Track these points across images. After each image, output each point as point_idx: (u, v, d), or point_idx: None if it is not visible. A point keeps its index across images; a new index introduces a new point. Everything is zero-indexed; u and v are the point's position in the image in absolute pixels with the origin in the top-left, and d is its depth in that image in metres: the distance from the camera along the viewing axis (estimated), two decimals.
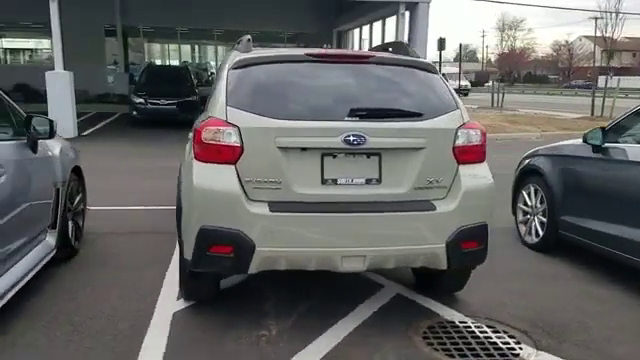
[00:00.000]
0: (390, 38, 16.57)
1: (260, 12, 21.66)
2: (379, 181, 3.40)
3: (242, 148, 3.24)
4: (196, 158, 3.33)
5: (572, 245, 5.03)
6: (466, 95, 40.31)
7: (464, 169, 3.52)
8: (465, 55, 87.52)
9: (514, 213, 5.85)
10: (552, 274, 4.79)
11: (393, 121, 3.44)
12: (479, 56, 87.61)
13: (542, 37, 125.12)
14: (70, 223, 4.70)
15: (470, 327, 3.71)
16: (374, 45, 20.22)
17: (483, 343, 3.50)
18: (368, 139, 3.30)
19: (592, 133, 4.77)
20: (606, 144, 4.68)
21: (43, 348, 3.25)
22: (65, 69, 13.42)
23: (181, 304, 3.89)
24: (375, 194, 3.38)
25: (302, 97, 3.49)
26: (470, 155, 3.56)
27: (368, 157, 3.38)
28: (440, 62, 17.75)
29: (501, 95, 27.11)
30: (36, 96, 13.93)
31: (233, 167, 3.24)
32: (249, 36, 3.87)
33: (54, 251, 4.29)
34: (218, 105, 3.38)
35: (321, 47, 21.77)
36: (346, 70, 3.67)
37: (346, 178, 3.36)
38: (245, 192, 3.25)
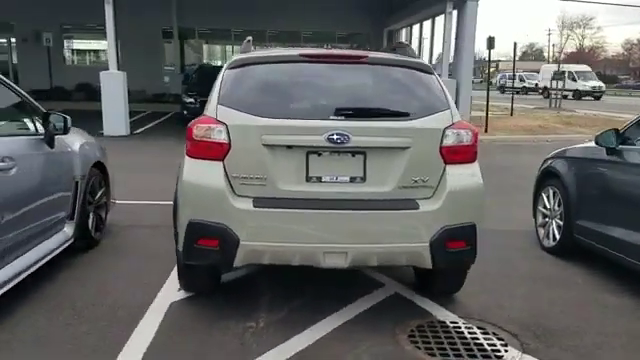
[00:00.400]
0: (439, 37, 16.38)
1: (312, 13, 21.87)
2: (363, 179, 3.44)
3: (229, 145, 3.37)
4: (187, 154, 3.48)
5: (589, 250, 4.89)
6: (599, 99, 35.85)
7: (451, 169, 3.51)
8: (531, 54, 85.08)
9: (534, 216, 5.72)
10: (563, 279, 4.67)
11: (378, 120, 3.48)
12: (545, 55, 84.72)
13: (613, 36, 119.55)
14: (91, 215, 4.98)
15: (460, 328, 3.70)
16: (427, 43, 20.02)
17: (469, 344, 3.49)
18: (352, 138, 3.35)
19: (605, 135, 4.61)
20: (620, 146, 4.52)
21: (42, 330, 3.49)
22: (121, 69, 14.00)
23: (180, 295, 4.05)
24: (359, 192, 3.43)
25: (290, 96, 3.58)
26: (459, 155, 3.54)
27: (353, 156, 3.43)
28: (489, 61, 17.31)
29: (560, 95, 26.21)
30: (96, 95, 14.66)
31: (221, 163, 3.37)
32: (250, 37, 4.01)
33: (71, 241, 4.55)
34: (211, 104, 3.52)
35: (356, 47, 21.83)
36: (338, 70, 3.73)
37: (330, 176, 3.42)
38: (232, 188, 3.37)
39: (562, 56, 69.31)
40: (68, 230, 4.57)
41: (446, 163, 3.50)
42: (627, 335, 3.68)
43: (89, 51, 28.17)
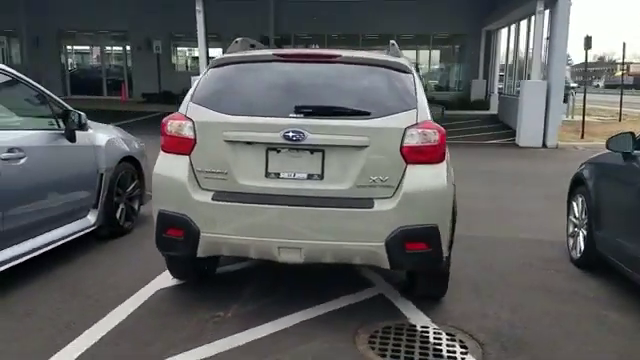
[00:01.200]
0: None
1: (406, 15, 21.68)
2: (321, 177, 3.47)
3: (195, 140, 3.55)
4: (161, 148, 3.71)
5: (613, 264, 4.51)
6: None
7: (412, 169, 3.44)
8: None
9: (567, 226, 5.37)
10: (571, 292, 4.36)
11: (337, 119, 3.49)
12: None
13: None
14: (121, 206, 5.41)
15: (428, 333, 3.61)
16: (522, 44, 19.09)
17: (427, 349, 3.40)
18: (308, 135, 3.40)
19: (619, 139, 4.24)
20: (636, 152, 4.14)
21: (34, 304, 3.87)
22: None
23: (172, 282, 4.30)
24: (316, 189, 3.46)
25: (255, 94, 3.69)
26: (422, 155, 3.46)
27: (311, 153, 3.47)
28: (586, 61, 16.17)
29: None
30: None
31: (187, 158, 3.56)
32: (239, 38, 4.16)
33: (93, 227, 4.99)
34: (185, 101, 3.72)
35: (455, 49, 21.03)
36: (309, 69, 3.79)
37: (288, 172, 3.49)
38: (197, 181, 3.55)
39: None
40: (91, 218, 5.00)
41: (408, 163, 3.44)
42: (612, 353, 3.40)
43: (194, 58, 29.75)
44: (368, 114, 3.50)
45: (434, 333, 3.61)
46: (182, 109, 3.67)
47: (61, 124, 4.68)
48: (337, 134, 3.44)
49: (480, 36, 23.03)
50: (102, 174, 5.09)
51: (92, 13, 22.79)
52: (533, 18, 15.19)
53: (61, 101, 4.78)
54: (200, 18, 14.66)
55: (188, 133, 3.57)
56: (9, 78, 4.31)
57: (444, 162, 3.56)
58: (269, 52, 3.87)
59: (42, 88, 4.61)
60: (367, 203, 3.41)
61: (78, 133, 4.80)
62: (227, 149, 3.51)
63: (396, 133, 3.44)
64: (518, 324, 3.75)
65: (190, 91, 3.77)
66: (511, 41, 20.18)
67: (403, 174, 3.43)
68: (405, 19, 21.99)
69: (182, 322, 3.65)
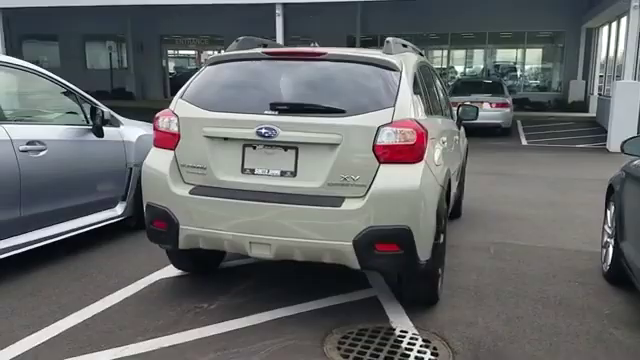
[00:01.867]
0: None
1: (498, 12, 20.87)
2: (294, 174, 3.47)
3: (179, 136, 3.68)
4: (153, 143, 3.87)
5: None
6: None
7: (385, 169, 3.35)
8: None
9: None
10: (586, 307, 4.02)
11: (310, 116, 3.46)
12: None
13: None
14: None
15: (403, 338, 3.49)
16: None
17: (394, 353, 3.30)
18: (280, 132, 3.41)
19: (634, 141, 3.85)
20: None
21: (40, 284, 4.19)
22: None
23: (174, 273, 4.46)
24: (288, 186, 3.46)
25: (237, 92, 3.76)
26: (395, 155, 3.36)
27: (285, 150, 3.48)
28: None
29: None
30: None
31: (172, 152, 3.70)
32: (241, 37, 4.24)
33: (119, 218, 5.30)
34: (175, 97, 3.86)
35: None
36: (294, 67, 3.80)
37: (263, 169, 3.52)
38: (181, 175, 3.68)
39: None
40: (119, 209, 5.32)
41: (380, 162, 3.35)
42: None
43: None
44: (343, 112, 3.44)
45: (410, 338, 3.49)
46: (172, 105, 3.82)
47: (90, 120, 5.01)
48: (309, 132, 3.42)
49: (579, 34, 21.67)
50: (131, 168, 5.38)
51: (191, 20, 24.03)
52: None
53: (91, 99, 5.12)
54: (279, 21, 15.02)
55: (173, 128, 3.70)
56: (36, 76, 4.68)
57: (422, 162, 3.42)
58: (259, 50, 3.92)
59: (71, 86, 4.96)
60: (336, 202, 3.36)
61: (108, 129, 5.11)
62: (206, 144, 3.60)
63: (369, 131, 3.36)
64: (505, 336, 3.53)
65: (182, 88, 3.90)
66: (611, 39, 18.79)
67: (375, 173, 3.35)
68: (498, 16, 21.18)
69: (164, 311, 3.79)
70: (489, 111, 15.46)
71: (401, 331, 3.58)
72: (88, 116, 5.00)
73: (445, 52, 24.93)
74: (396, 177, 3.34)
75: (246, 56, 3.96)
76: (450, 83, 18.44)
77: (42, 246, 4.51)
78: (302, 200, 3.41)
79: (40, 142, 4.39)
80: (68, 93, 4.96)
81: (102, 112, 4.92)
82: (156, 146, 3.83)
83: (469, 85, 17.34)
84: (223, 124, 3.56)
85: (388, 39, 3.98)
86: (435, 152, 3.73)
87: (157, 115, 3.86)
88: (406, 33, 24.52)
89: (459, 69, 26.32)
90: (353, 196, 3.37)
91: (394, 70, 3.66)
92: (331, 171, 3.38)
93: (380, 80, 3.61)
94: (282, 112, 3.48)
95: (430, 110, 4.31)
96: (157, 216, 3.71)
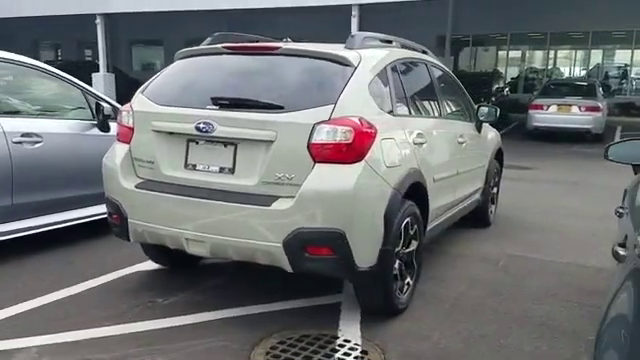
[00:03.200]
0: None
1: (600, 9, 19.34)
2: (232, 171, 3.37)
3: (133, 130, 3.71)
4: (116, 137, 3.94)
5: None
6: None
7: (319, 168, 3.16)
8: None
9: None
10: (568, 331, 3.57)
11: (247, 112, 3.34)
12: None
13: None
14: None
15: (341, 347, 3.28)
16: None
17: None
18: (217, 128, 3.33)
19: (624, 146, 3.34)
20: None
21: (29, 270, 4.40)
22: None
23: (152, 266, 4.50)
24: (226, 183, 3.38)
25: (188, 86, 3.72)
26: (332, 154, 3.16)
27: (225, 146, 3.39)
28: None
29: None
30: None
31: (127, 146, 3.74)
32: (217, 34, 4.19)
33: None
34: (137, 92, 3.90)
35: None
36: (248, 62, 3.70)
37: (203, 165, 3.46)
38: (134, 169, 3.71)
39: None
40: None
41: (315, 161, 3.17)
42: None
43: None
44: (281, 108, 3.30)
45: (349, 349, 3.27)
46: (133, 99, 3.86)
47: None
48: (246, 128, 3.31)
49: None
50: None
51: (283, 21, 24.49)
52: None
53: (98, 94, 5.32)
54: (355, 22, 14.90)
55: (129, 122, 3.74)
56: (36, 72, 4.95)
57: (361, 163, 3.19)
58: (219, 45, 3.86)
59: (77, 81, 5.18)
60: (268, 201, 3.22)
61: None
62: (155, 139, 3.60)
63: (304, 129, 3.19)
64: (452, 355, 3.22)
65: (146, 82, 3.93)
66: None
67: (309, 172, 3.17)
68: (598, 14, 19.61)
69: (117, 303, 3.83)
70: (578, 115, 14.36)
71: (344, 340, 3.38)
72: (94, 111, 5.20)
73: (548, 53, 23.54)
74: (329, 177, 3.15)
75: (207, 51, 3.92)
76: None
77: (39, 234, 4.75)
78: (236, 198, 3.30)
79: (36, 134, 4.62)
80: (73, 89, 5.19)
81: (104, 108, 5.09)
82: (117, 140, 3.89)
83: (559, 87, 16.21)
84: (168, 118, 3.54)
85: (353, 33, 3.77)
86: (391, 152, 3.46)
87: (120, 109, 3.92)
88: (499, 32, 23.56)
89: (563, 70, 24.82)
90: (287, 196, 3.21)
91: (347, 65, 3.46)
92: (266, 169, 3.25)
93: (328, 76, 3.43)
94: (223, 107, 3.40)
95: (412, 110, 4.04)
96: (112, 209, 3.77)
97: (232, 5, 18.31)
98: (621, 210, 2.92)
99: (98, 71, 19.70)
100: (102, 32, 19.12)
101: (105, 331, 3.42)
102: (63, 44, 32.09)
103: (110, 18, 19.63)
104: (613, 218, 3.19)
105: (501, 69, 24.58)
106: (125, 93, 3.94)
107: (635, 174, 3.36)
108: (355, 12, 14.95)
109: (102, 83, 18.62)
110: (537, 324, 3.66)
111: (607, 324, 1.67)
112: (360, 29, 15.02)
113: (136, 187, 3.61)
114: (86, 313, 3.66)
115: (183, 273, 4.41)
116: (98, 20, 19.15)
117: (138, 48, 30.36)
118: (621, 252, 2.02)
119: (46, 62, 5.26)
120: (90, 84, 11.05)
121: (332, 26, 22.75)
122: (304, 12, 23.31)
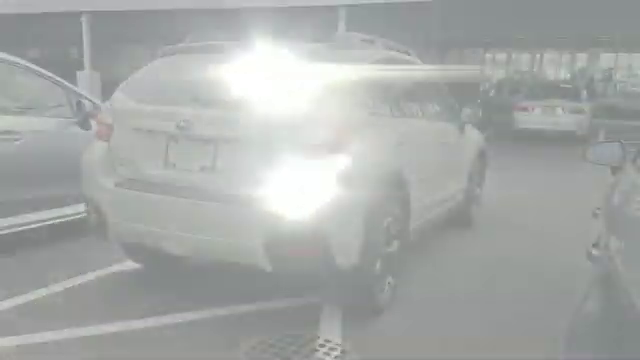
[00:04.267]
0: None
1: (590, 13, 19.38)
2: (212, 170, 3.35)
3: (113, 127, 3.67)
4: (95, 135, 3.90)
5: None
6: None
7: (300, 166, 3.15)
8: None
9: None
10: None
11: (227, 110, 3.32)
12: None
13: None
14: None
15: (322, 347, 3.27)
16: None
17: None
18: (197, 126, 3.31)
19: (604, 147, 3.36)
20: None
21: (19, 264, 4.41)
22: None
23: (133, 266, 4.45)
24: (204, 182, 3.36)
25: (168, 84, 3.68)
26: (312, 152, 3.15)
27: (205, 145, 3.37)
28: None
29: None
30: None
31: (106, 144, 3.70)
32: (193, 33, 4.16)
33: None
34: (117, 89, 3.86)
35: None
36: (233, 61, 3.67)
37: (183, 163, 3.43)
38: (114, 167, 3.66)
39: None
40: None
41: (296, 159, 3.16)
42: None
43: None
44: (260, 106, 3.28)
45: (329, 348, 3.26)
46: (112, 97, 3.82)
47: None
48: (225, 126, 3.29)
49: None
50: None
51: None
52: None
53: (79, 91, 5.26)
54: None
55: (108, 120, 3.70)
56: (20, 70, 4.88)
57: (344, 161, 3.19)
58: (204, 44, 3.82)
59: (59, 79, 5.12)
60: (248, 200, 3.20)
61: None
62: (134, 137, 3.56)
63: (284, 128, 3.18)
64: (432, 353, 3.22)
65: (125, 80, 3.90)
66: None
67: (290, 171, 3.16)
68: (586, 17, 19.64)
69: (96, 303, 3.81)
70: (561, 117, 14.48)
71: (325, 340, 3.37)
72: (75, 109, 5.13)
73: (534, 55, 23.67)
74: (310, 176, 3.13)
75: (188, 49, 3.89)
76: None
77: (27, 231, 4.71)
78: (216, 197, 3.28)
79: (14, 132, 4.56)
80: (55, 86, 5.13)
81: (84, 106, 5.03)
82: (97, 137, 3.85)
83: (544, 89, 16.34)
84: (148, 116, 3.51)
85: (339, 33, 3.76)
86: (373, 152, 3.46)
87: (100, 107, 3.88)
88: (485, 34, 23.56)
89: (549, 73, 25.02)
90: (266, 195, 3.19)
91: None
92: (247, 167, 3.23)
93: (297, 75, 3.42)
94: (204, 105, 3.38)
95: (393, 110, 4.05)
96: (91, 207, 3.73)
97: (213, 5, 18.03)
98: (597, 211, 2.93)
99: (83, 69, 19.50)
100: (87, 30, 18.93)
101: (83, 331, 3.37)
102: (48, 42, 31.74)
103: (95, 16, 19.42)
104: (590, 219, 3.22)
105: (487, 71, 24.72)
106: (111, 91, 3.92)
107: (613, 175, 3.37)
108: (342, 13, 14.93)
109: (88, 81, 18.42)
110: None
111: (576, 323, 1.67)
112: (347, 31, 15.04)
113: (115, 185, 3.57)
114: (63, 314, 3.62)
115: (163, 273, 4.36)
116: (83, 18, 18.95)
117: (124, 46, 30.12)
118: (594, 252, 2.03)
119: (30, 60, 5.14)
120: (74, 83, 10.93)
121: (318, 27, 22.87)
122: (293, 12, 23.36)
